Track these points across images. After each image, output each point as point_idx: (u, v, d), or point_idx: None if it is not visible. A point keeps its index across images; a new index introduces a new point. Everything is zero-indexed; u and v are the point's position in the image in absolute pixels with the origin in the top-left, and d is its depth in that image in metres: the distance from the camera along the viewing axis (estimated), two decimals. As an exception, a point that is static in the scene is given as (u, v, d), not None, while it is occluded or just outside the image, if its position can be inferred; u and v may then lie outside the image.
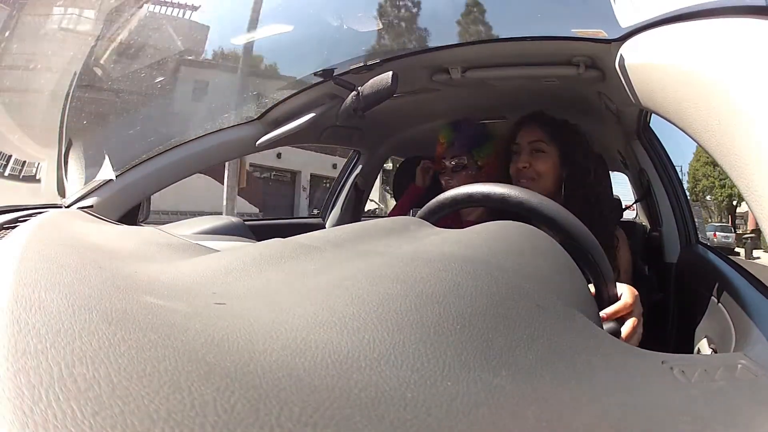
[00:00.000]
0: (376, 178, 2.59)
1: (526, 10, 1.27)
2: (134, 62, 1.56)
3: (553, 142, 1.34)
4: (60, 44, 1.59)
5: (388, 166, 3.09)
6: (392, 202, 2.34)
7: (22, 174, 1.58)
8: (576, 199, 1.28)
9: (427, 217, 0.82)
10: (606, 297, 0.74)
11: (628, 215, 2.49)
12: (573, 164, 1.32)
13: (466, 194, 0.82)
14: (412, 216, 0.83)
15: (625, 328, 0.76)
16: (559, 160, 1.33)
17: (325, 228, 2.23)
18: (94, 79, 1.52)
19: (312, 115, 1.46)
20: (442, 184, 1.68)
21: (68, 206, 1.27)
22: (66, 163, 1.38)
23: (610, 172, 1.79)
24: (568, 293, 0.49)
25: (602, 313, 0.71)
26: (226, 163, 6.15)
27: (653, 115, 1.47)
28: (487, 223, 0.61)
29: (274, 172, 15.41)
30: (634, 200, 2.25)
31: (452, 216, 0.97)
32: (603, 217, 1.28)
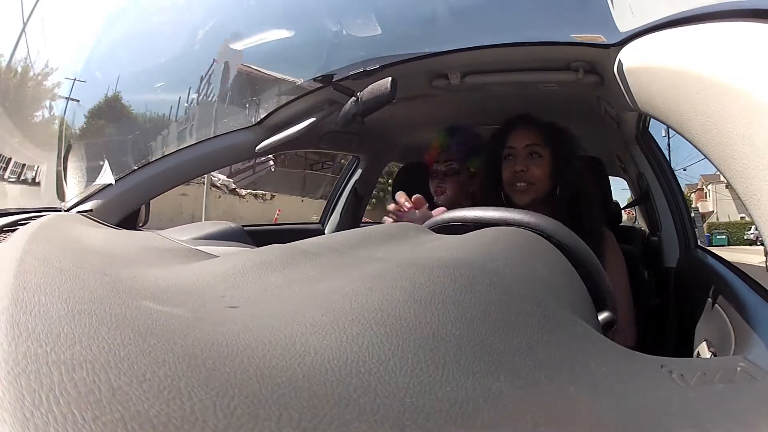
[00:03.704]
0: (375, 183, 2.59)
1: (525, 15, 1.27)
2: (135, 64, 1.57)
3: (547, 145, 1.33)
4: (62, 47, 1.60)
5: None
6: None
7: (22, 177, 1.58)
8: (566, 201, 1.28)
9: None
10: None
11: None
12: (566, 167, 1.31)
13: (473, 218, 0.81)
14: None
15: None
16: (553, 163, 1.32)
17: (324, 234, 2.23)
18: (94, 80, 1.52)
19: (311, 120, 1.47)
20: (431, 188, 1.67)
21: (67, 210, 1.27)
22: (65, 166, 1.39)
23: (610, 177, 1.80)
24: (567, 298, 0.49)
25: None
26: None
27: (652, 119, 1.47)
28: (486, 229, 0.61)
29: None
30: (628, 203, 2.25)
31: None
32: (590, 217, 1.27)
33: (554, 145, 1.33)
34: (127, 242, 0.65)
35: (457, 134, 1.65)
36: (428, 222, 0.84)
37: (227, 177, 11.36)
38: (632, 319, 1.25)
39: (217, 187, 11.47)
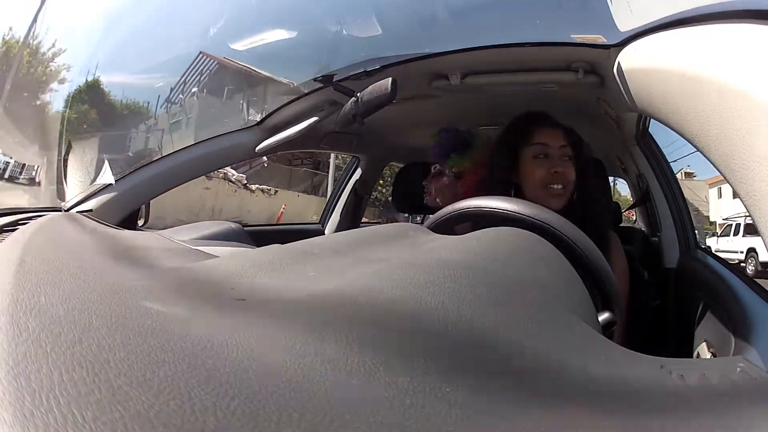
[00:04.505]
0: (375, 183, 2.59)
1: (526, 16, 1.27)
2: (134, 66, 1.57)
3: (573, 149, 1.26)
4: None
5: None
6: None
7: (22, 176, 1.58)
8: (580, 205, 1.25)
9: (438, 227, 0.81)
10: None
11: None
12: (583, 173, 1.27)
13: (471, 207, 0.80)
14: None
15: None
16: (574, 169, 1.26)
17: (324, 234, 2.23)
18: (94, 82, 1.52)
19: (311, 120, 1.47)
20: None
21: (68, 210, 1.27)
22: (65, 166, 1.39)
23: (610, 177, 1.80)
24: (567, 299, 0.49)
25: None
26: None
27: (652, 120, 1.47)
28: (487, 229, 0.60)
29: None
30: (630, 206, 2.25)
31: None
32: (597, 220, 1.23)
33: (577, 149, 1.27)
34: (127, 242, 0.65)
35: (442, 136, 1.66)
36: (431, 219, 0.84)
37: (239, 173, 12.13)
38: (624, 324, 1.24)
39: (233, 182, 12.29)
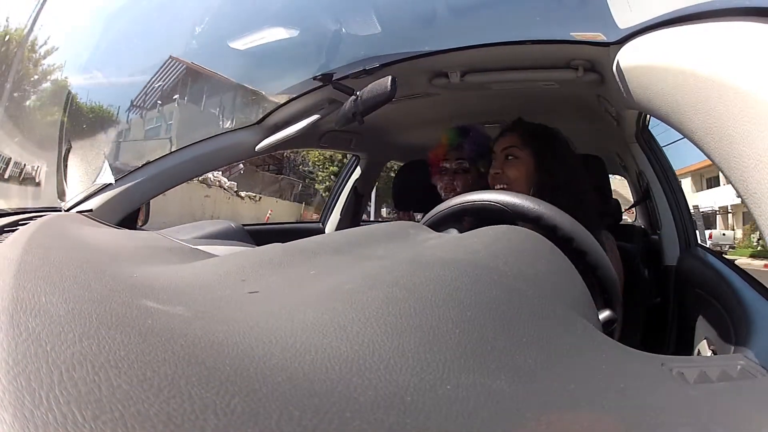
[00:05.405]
0: (375, 182, 2.59)
1: (525, 14, 1.27)
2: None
3: (527, 147, 1.32)
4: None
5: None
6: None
7: (22, 177, 1.58)
8: (560, 204, 1.24)
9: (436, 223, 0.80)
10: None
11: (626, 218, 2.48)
12: (545, 168, 1.30)
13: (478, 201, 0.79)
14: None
15: None
16: (534, 165, 1.31)
17: (324, 233, 2.23)
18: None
19: (311, 119, 1.46)
20: (439, 186, 1.67)
21: (68, 210, 1.27)
22: (66, 166, 1.38)
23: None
24: (568, 296, 0.49)
25: None
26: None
27: (652, 118, 1.47)
28: (487, 227, 0.60)
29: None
30: (631, 204, 2.25)
31: None
32: (585, 219, 1.23)
33: (535, 147, 1.32)
34: (127, 242, 0.65)
35: (470, 134, 1.65)
36: (428, 216, 0.83)
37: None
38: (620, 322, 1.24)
39: (225, 189, 13.17)
